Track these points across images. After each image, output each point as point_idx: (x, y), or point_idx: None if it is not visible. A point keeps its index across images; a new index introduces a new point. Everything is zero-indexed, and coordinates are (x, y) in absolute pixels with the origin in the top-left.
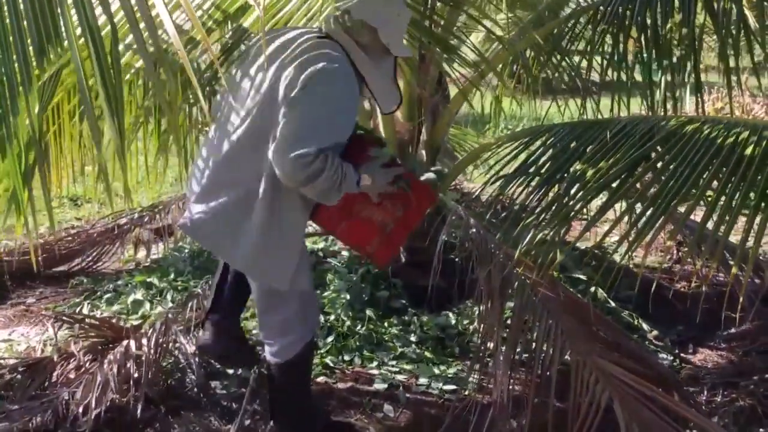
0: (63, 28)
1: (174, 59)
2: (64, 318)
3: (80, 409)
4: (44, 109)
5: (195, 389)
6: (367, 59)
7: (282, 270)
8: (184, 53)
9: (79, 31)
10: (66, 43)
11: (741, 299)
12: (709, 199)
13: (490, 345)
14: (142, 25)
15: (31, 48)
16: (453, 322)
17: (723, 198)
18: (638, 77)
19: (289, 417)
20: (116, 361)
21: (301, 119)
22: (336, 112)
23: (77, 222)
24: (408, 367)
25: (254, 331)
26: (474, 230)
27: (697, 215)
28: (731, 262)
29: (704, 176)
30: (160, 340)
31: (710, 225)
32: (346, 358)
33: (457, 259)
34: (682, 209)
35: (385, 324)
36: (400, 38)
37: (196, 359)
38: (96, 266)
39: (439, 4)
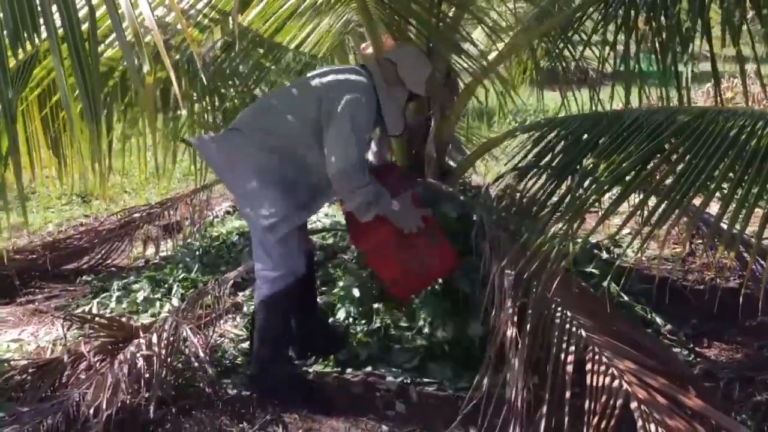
0: (41, 19)
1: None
2: (73, 318)
3: (91, 411)
4: (18, 95)
5: (206, 388)
6: (386, 89)
7: (265, 213)
8: (161, 45)
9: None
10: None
11: (762, 295)
12: (725, 191)
13: (504, 340)
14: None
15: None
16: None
17: (739, 191)
18: (644, 67)
19: (263, 357)
20: (126, 361)
21: (342, 131)
22: (360, 127)
23: (86, 219)
24: (420, 363)
25: None
26: (485, 225)
27: (712, 208)
28: (746, 256)
29: (719, 168)
30: (171, 339)
31: (728, 219)
32: (357, 354)
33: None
34: (696, 202)
35: (396, 319)
36: (416, 79)
37: (207, 357)
38: (105, 264)
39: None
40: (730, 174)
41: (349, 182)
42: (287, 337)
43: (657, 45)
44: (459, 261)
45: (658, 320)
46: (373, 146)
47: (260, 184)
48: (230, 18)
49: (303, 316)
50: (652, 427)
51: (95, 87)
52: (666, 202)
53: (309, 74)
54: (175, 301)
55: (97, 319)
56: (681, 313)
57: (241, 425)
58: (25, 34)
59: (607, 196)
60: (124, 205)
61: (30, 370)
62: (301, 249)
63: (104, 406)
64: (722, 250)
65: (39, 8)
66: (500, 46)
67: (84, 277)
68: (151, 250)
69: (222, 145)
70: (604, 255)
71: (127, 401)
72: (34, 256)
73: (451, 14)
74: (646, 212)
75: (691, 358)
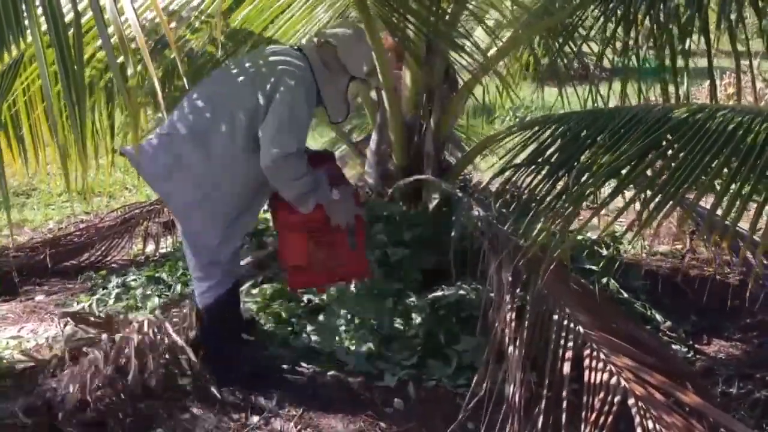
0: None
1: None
2: (69, 318)
3: (81, 405)
4: (3, 97)
5: (198, 381)
6: (327, 74)
7: (209, 236)
8: (146, 50)
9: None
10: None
11: (750, 285)
12: (719, 187)
13: (503, 337)
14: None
15: None
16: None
17: (733, 186)
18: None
19: (216, 358)
20: (120, 357)
21: (278, 120)
22: (299, 116)
23: (86, 216)
24: (418, 361)
25: None
26: (483, 221)
27: (709, 203)
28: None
29: (713, 165)
30: (160, 336)
31: (721, 213)
32: (354, 350)
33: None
34: (692, 196)
35: (395, 317)
36: (357, 62)
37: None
38: (105, 260)
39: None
40: (725, 169)
41: (285, 172)
42: (238, 336)
43: (655, 41)
44: (368, 273)
45: (658, 317)
46: (372, 142)
47: (202, 198)
48: (215, 21)
49: None
50: (650, 423)
51: (79, 91)
52: (660, 195)
53: (241, 60)
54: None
55: (92, 317)
56: (680, 310)
57: (239, 421)
58: (10, 37)
59: (606, 192)
60: (124, 201)
61: (19, 370)
62: (239, 251)
63: (94, 402)
64: (714, 241)
65: (24, 11)
66: (500, 42)
67: (84, 274)
68: (150, 247)
69: (158, 153)
70: (604, 252)
71: (119, 396)
72: (35, 253)
73: (449, 11)
74: (645, 209)
75: (690, 355)
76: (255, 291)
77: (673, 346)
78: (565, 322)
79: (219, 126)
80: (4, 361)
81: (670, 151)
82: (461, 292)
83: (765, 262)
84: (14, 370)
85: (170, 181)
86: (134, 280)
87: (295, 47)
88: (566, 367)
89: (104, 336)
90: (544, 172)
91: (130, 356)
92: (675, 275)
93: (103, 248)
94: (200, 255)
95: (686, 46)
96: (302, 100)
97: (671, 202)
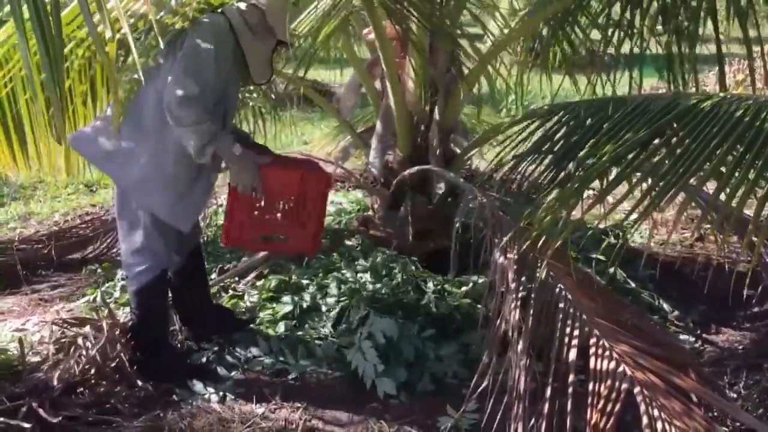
0: None
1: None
2: (65, 321)
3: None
4: None
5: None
6: (250, 36)
7: (166, 207)
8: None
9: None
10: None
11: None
12: (730, 176)
13: (507, 327)
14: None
15: None
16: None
17: (738, 173)
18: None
19: (145, 346)
20: (110, 345)
21: (181, 67)
22: (202, 66)
23: (92, 208)
24: (422, 354)
25: None
26: (487, 209)
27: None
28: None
29: (718, 152)
30: None
31: (724, 198)
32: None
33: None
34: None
35: (398, 308)
36: (284, 26)
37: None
38: (110, 253)
39: None
40: (729, 157)
41: (181, 118)
42: (164, 325)
43: (663, 24)
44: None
45: (665, 306)
46: (376, 132)
47: (150, 172)
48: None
49: (195, 299)
50: (655, 412)
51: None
52: (663, 182)
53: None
54: None
55: (92, 312)
56: (688, 299)
57: (243, 415)
58: None
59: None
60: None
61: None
62: (174, 241)
63: (89, 391)
64: (725, 235)
65: None
66: (506, 31)
67: (89, 267)
68: None
69: (98, 137)
70: (613, 240)
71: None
72: (40, 245)
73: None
74: (648, 196)
75: (698, 345)
76: (259, 283)
77: (681, 336)
78: (571, 311)
79: (147, 100)
80: (10, 353)
81: (674, 139)
82: (466, 285)
83: None
84: (11, 362)
85: (112, 161)
86: None
87: (219, 10)
88: (572, 354)
89: (87, 329)
90: (548, 160)
91: (120, 343)
92: (683, 264)
93: (108, 240)
94: (133, 237)
95: (698, 33)
96: (209, 52)
97: (673, 190)
